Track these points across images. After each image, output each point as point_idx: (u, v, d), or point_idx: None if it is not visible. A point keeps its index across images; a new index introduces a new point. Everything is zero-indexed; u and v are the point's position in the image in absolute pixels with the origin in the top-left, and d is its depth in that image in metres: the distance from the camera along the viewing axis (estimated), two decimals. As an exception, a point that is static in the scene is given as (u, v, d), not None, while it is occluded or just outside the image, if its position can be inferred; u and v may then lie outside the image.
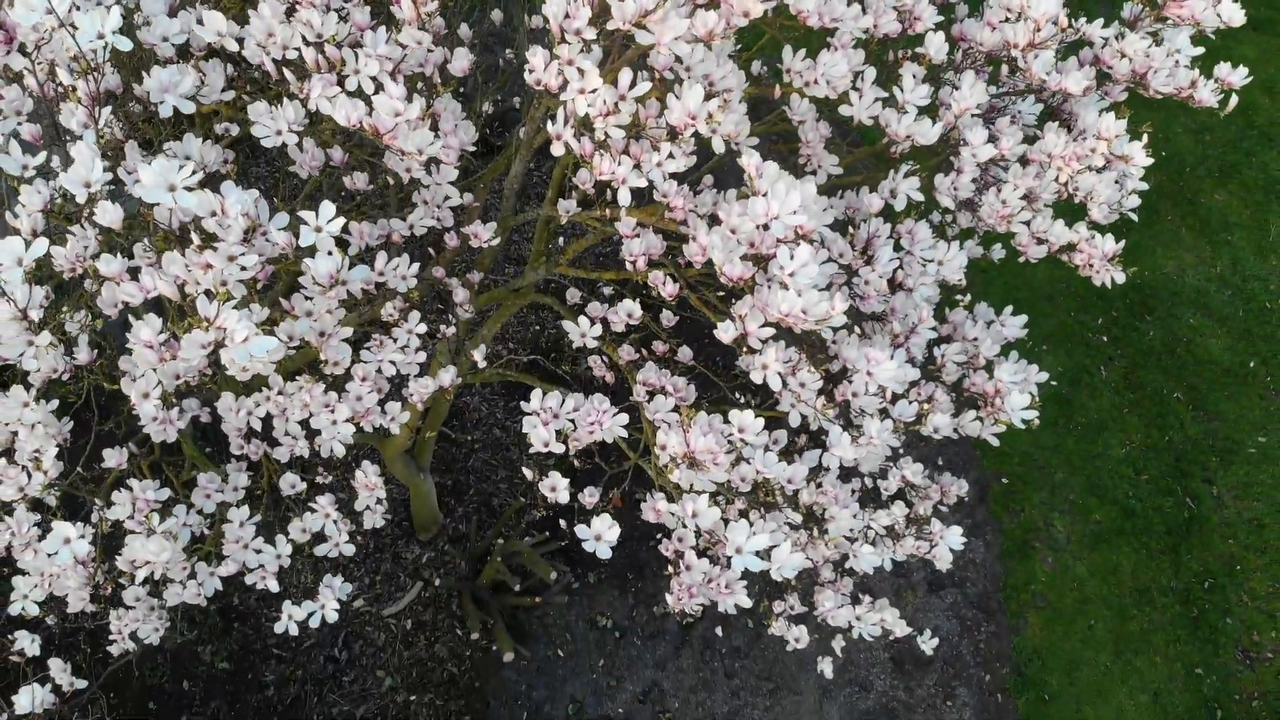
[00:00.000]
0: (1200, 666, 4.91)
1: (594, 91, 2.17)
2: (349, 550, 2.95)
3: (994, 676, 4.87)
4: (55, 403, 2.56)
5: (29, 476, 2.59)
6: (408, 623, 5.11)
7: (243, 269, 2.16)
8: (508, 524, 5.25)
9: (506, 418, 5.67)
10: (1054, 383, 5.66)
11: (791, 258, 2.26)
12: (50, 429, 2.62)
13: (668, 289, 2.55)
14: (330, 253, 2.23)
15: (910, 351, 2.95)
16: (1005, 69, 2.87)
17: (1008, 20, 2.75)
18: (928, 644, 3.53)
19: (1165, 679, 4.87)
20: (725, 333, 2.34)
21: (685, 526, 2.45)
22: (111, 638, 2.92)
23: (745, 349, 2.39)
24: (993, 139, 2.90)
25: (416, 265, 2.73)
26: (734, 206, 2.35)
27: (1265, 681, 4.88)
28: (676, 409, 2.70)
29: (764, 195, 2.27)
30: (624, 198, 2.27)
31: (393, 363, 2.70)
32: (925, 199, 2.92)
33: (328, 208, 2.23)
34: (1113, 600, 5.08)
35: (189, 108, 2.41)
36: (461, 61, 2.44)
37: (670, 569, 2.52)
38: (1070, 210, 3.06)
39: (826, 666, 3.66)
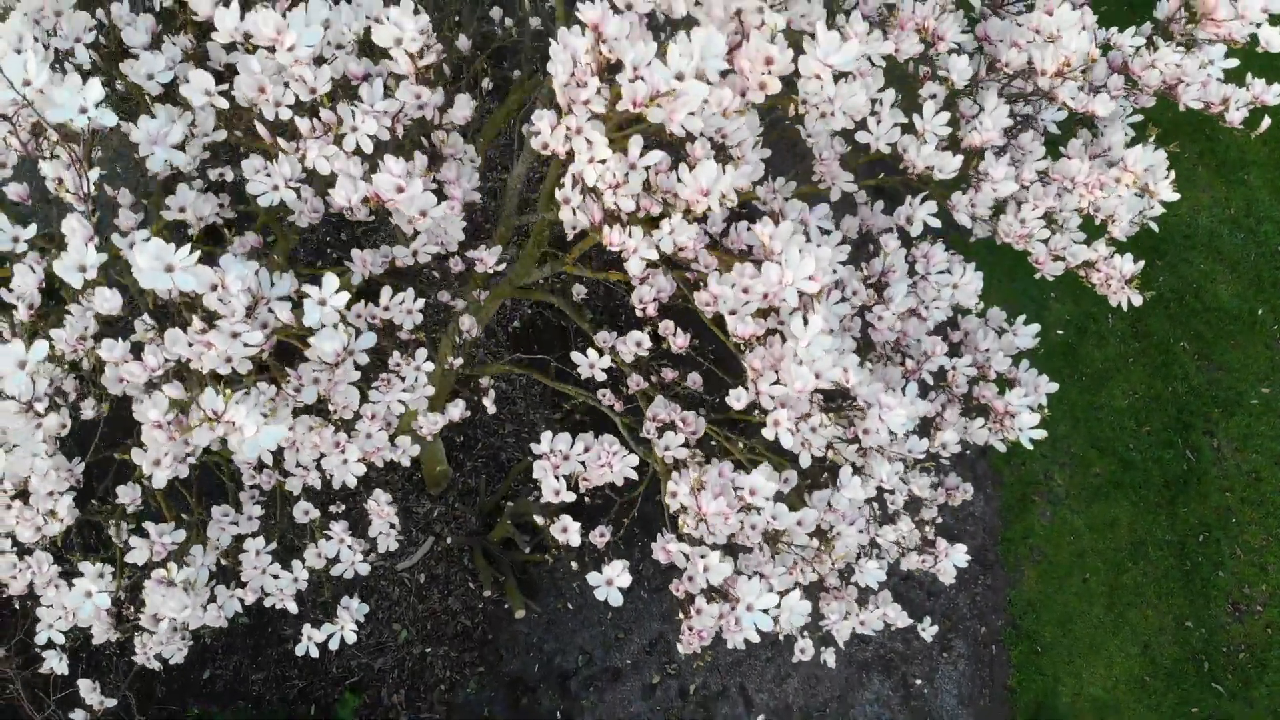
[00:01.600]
0: (1190, 619, 5.07)
1: (603, 162, 2.09)
2: (364, 570, 3.01)
3: (989, 628, 5.04)
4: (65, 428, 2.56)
5: (45, 520, 2.62)
6: (421, 576, 5.24)
7: (247, 345, 2.12)
8: (516, 480, 5.32)
9: (512, 369, 5.67)
10: (1060, 332, 5.64)
11: (805, 323, 2.22)
12: (62, 472, 2.63)
13: (679, 340, 2.51)
14: (336, 326, 2.19)
15: (921, 375, 2.93)
16: (1029, 85, 2.75)
17: (1034, 42, 2.61)
18: (927, 631, 3.64)
19: (1155, 631, 5.04)
20: (737, 401, 2.32)
21: (695, 577, 2.49)
22: (136, 656, 3.01)
23: (757, 411, 2.38)
24: (1014, 161, 2.80)
25: (421, 301, 2.68)
26: (746, 268, 2.29)
27: (1253, 634, 5.05)
28: (687, 443, 2.70)
29: (778, 261, 2.21)
30: (635, 268, 2.21)
31: (402, 402, 2.69)
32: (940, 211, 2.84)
33: (331, 281, 2.18)
34: (1108, 553, 5.20)
35: (181, 159, 2.32)
36: (463, 110, 2.33)
37: (680, 613, 2.57)
38: (1088, 222, 2.99)
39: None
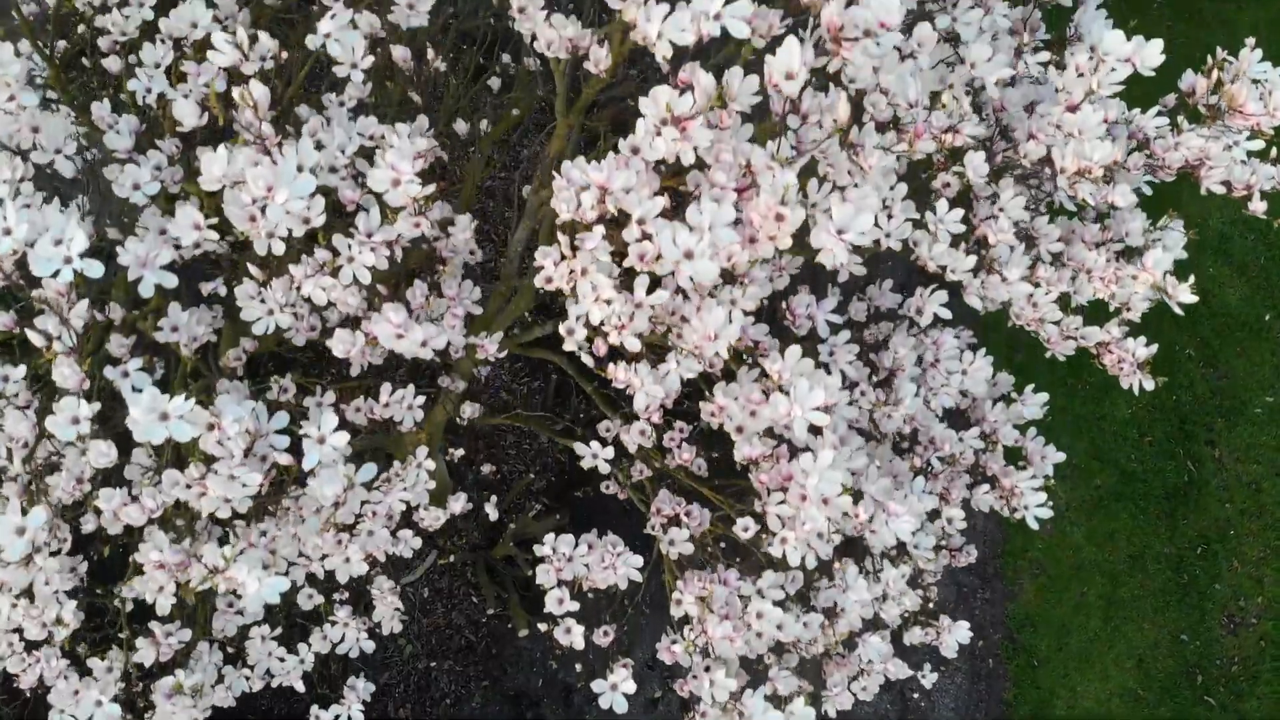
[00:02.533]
0: (1186, 632, 5.13)
1: (609, 302, 2.03)
2: (369, 647, 3.02)
3: (987, 642, 5.10)
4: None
5: (52, 623, 2.61)
6: (425, 590, 5.28)
7: (245, 486, 2.09)
8: (517, 499, 5.32)
9: (512, 380, 5.63)
10: (1065, 339, 5.58)
11: (814, 459, 2.18)
12: (65, 573, 2.62)
13: (684, 454, 2.47)
14: (335, 462, 2.15)
15: (929, 460, 2.91)
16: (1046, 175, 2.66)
17: (1054, 135, 2.51)
18: (927, 679, 3.67)
19: (1151, 644, 5.10)
20: (744, 531, 2.29)
21: (700, 689, 2.49)
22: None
23: (764, 532, 2.35)
24: (1029, 240, 2.73)
25: (422, 398, 2.64)
26: (751, 387, 2.25)
27: (1246, 646, 5.11)
28: (692, 538, 2.68)
29: (785, 392, 2.16)
30: (640, 403, 2.16)
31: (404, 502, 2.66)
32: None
33: (330, 419, 2.13)
34: (1106, 566, 5.24)
35: (172, 281, 2.25)
36: (464, 234, 2.26)
37: (685, 715, 2.59)
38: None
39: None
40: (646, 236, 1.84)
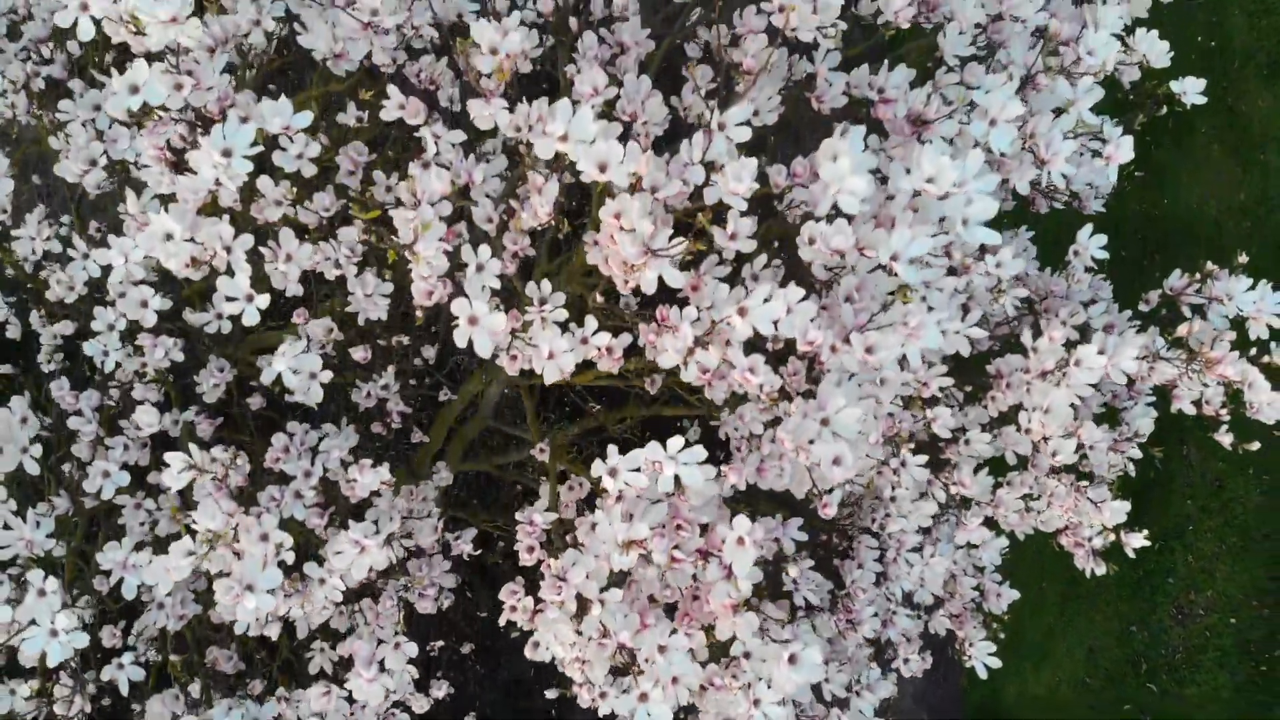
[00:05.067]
0: (1135, 624, 5.47)
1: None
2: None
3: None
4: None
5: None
6: (420, 583, 5.57)
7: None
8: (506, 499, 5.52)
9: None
10: (1048, 335, 5.61)
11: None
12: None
13: None
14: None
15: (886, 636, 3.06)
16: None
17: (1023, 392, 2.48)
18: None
19: (1101, 635, 5.46)
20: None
21: None
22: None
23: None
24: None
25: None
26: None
27: (1192, 636, 5.47)
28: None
29: (751, 686, 2.28)
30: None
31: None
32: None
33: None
34: (1066, 562, 5.50)
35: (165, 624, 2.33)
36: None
37: None
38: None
39: None
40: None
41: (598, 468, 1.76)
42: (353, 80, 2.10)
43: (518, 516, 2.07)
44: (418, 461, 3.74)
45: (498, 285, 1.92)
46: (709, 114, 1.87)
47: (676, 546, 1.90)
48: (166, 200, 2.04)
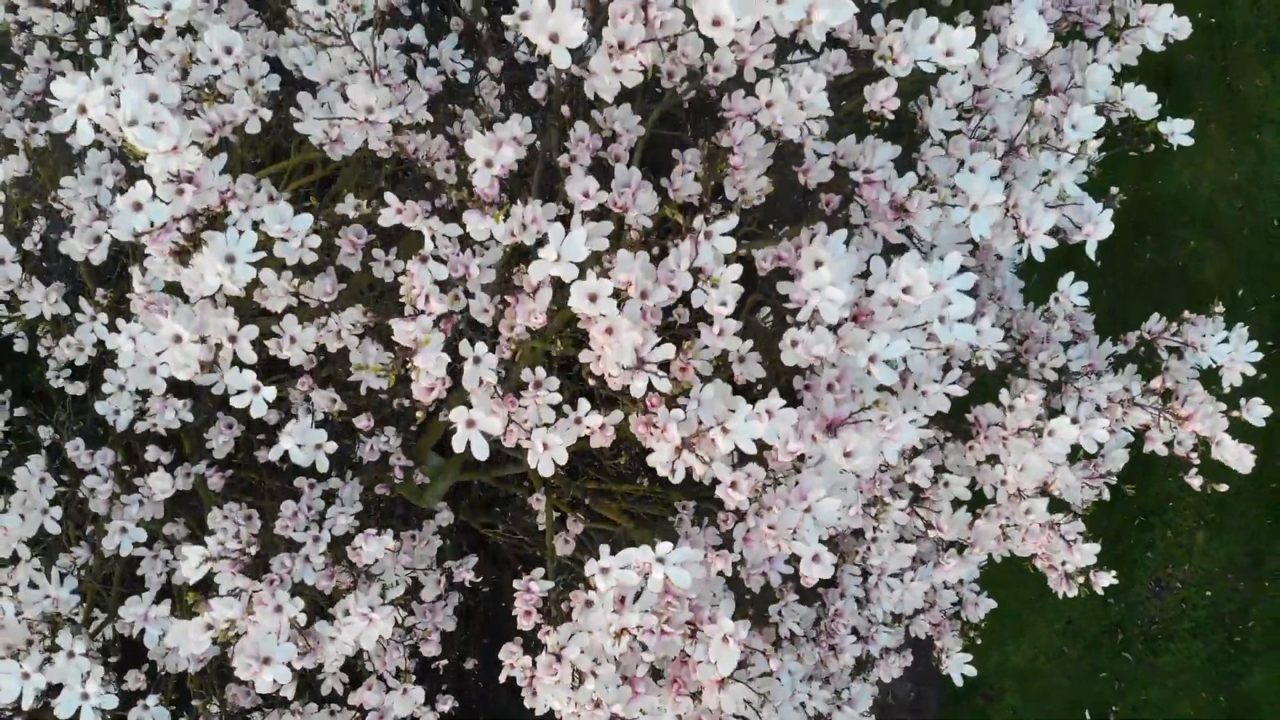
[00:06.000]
0: (1113, 597, 5.67)
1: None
2: None
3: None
4: None
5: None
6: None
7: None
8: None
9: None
10: (1038, 317, 5.69)
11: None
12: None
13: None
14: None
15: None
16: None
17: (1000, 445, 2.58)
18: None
19: (1080, 608, 5.66)
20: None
21: None
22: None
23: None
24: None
25: None
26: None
27: (1168, 608, 5.68)
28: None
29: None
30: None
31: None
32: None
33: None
34: (1050, 538, 5.68)
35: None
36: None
37: None
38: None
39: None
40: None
41: (590, 566, 1.87)
42: (353, 167, 2.15)
43: (515, 585, 2.19)
44: (419, 451, 3.85)
45: (494, 378, 2.01)
46: (699, 219, 1.94)
47: (666, 620, 2.02)
48: (172, 286, 2.11)
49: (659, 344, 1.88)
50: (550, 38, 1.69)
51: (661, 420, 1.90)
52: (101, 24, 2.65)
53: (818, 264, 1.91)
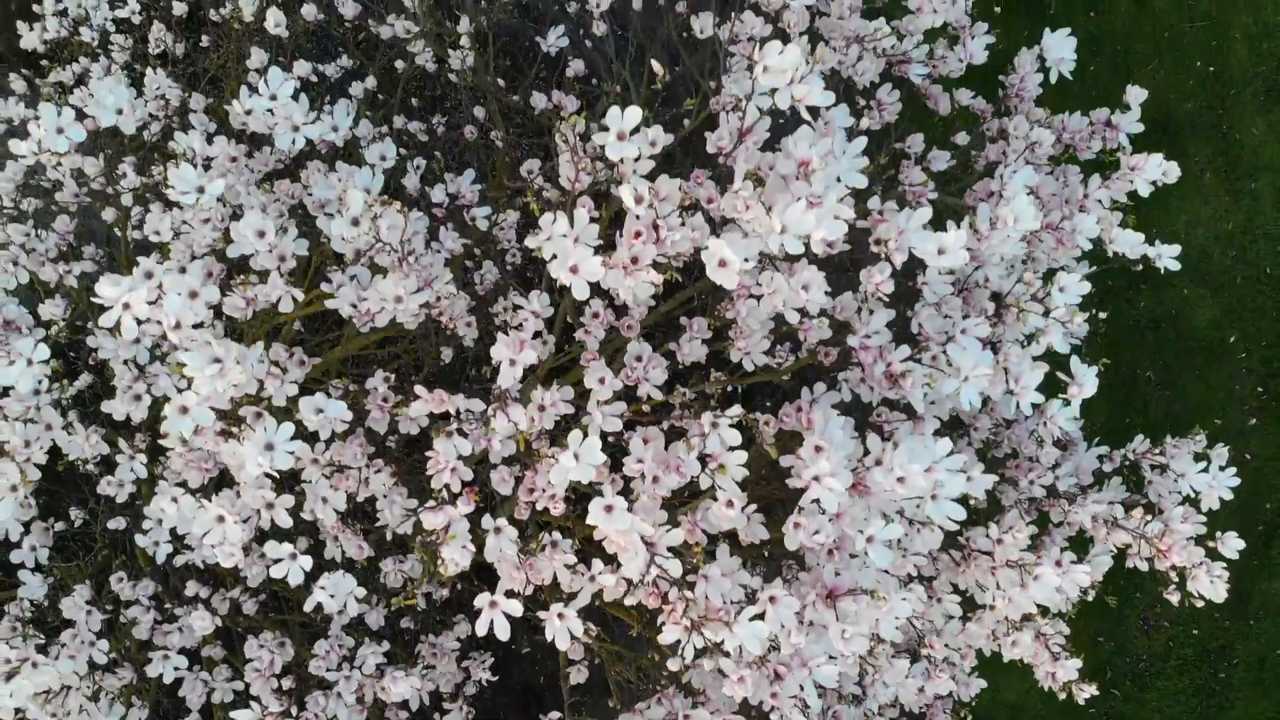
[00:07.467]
0: (1102, 635, 5.86)
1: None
2: None
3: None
4: None
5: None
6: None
7: None
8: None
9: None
10: (1034, 363, 5.82)
11: None
12: None
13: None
14: None
15: None
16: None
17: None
18: None
19: (1071, 646, 5.84)
20: None
21: None
22: None
23: None
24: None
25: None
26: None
27: (1155, 646, 5.87)
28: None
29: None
30: None
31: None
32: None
33: None
34: (1043, 578, 5.85)
35: None
36: None
37: None
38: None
39: None
40: None
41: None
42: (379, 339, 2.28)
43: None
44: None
45: (514, 551, 2.15)
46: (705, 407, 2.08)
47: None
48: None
49: (667, 526, 2.02)
50: (571, 269, 1.82)
51: (672, 598, 2.04)
52: (130, 173, 2.77)
53: (818, 449, 2.05)
